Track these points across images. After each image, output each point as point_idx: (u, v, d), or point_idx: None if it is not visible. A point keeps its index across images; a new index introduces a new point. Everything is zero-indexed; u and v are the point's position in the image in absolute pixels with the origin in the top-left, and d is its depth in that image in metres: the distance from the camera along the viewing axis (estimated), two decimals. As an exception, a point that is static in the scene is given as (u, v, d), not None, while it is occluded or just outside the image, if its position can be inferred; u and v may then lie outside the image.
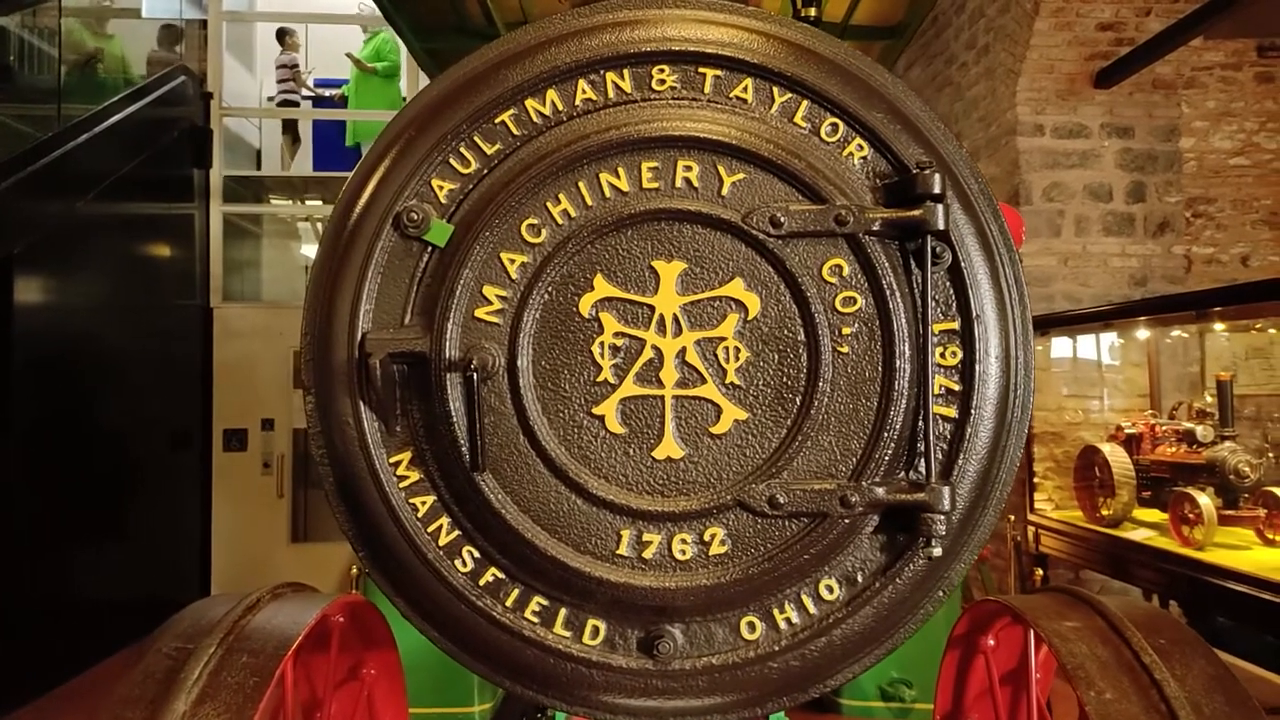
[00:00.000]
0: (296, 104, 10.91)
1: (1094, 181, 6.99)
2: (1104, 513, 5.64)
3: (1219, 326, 6.41)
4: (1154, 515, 5.52)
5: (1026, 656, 2.34)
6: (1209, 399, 5.68)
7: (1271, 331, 7.63)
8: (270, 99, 11.09)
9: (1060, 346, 6.95)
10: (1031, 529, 6.48)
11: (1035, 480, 6.71)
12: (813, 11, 4.18)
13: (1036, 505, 6.62)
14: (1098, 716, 1.59)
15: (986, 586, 4.93)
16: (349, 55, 10.07)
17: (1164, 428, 5.63)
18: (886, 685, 4.19)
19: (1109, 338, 6.88)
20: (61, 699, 5.82)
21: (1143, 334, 6.56)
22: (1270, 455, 4.99)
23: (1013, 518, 6.62)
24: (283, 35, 10.73)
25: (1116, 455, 5.59)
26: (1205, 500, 4.80)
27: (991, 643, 2.52)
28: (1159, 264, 7.00)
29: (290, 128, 11.13)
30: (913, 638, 3.98)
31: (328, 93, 10.97)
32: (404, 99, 9.50)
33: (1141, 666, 1.68)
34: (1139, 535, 5.35)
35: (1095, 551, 5.69)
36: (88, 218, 7.20)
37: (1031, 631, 2.21)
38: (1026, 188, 6.97)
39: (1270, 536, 4.64)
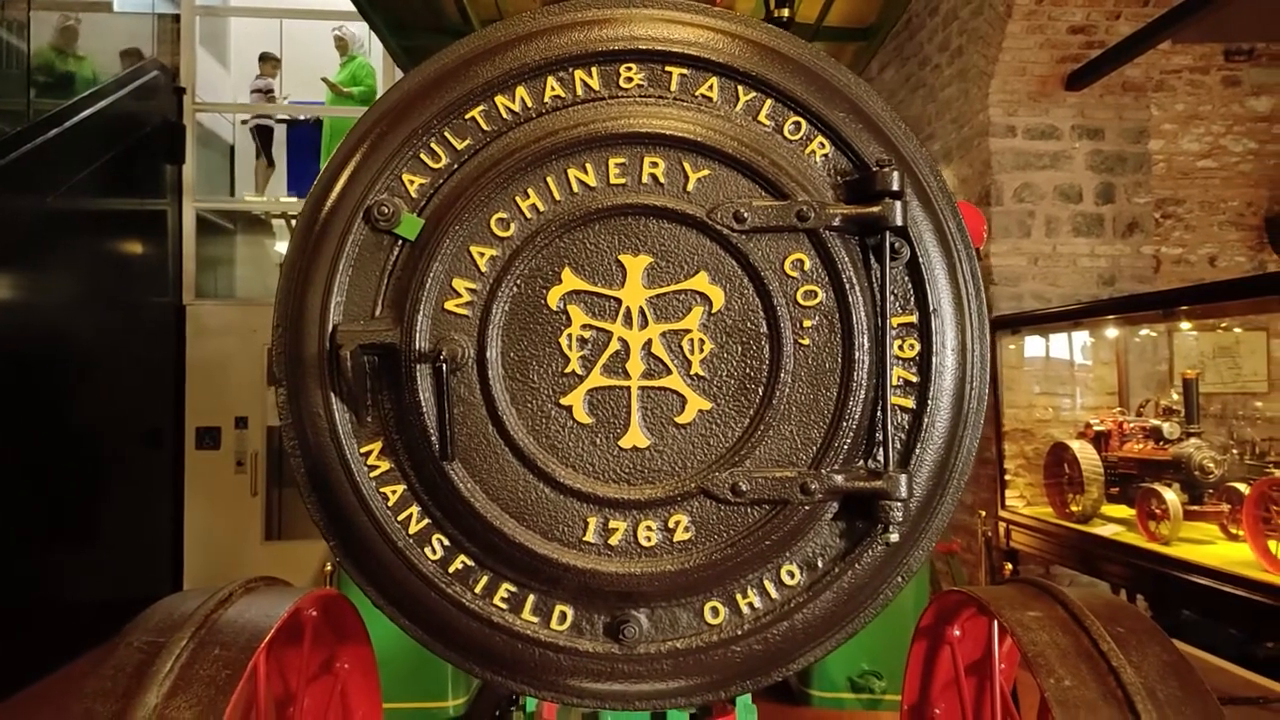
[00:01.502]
0: (270, 129, 10.85)
1: (1064, 182, 7.09)
2: (1073, 509, 5.73)
3: (1185, 325, 6.53)
4: (1122, 511, 5.61)
5: (991, 646, 2.39)
6: (1175, 396, 5.78)
7: (1237, 330, 7.78)
8: (244, 122, 11.01)
9: (1030, 345, 7.04)
10: (1003, 525, 6.57)
11: (1007, 477, 6.79)
12: (785, 12, 4.23)
13: (1008, 501, 6.71)
14: (1056, 702, 1.63)
15: (956, 580, 4.99)
16: (325, 80, 10.00)
17: (1131, 425, 5.72)
18: (857, 677, 4.23)
19: (1079, 336, 6.99)
20: (32, 699, 5.78)
21: (1111, 333, 6.66)
22: (1235, 452, 5.07)
23: (983, 513, 6.70)
24: (262, 59, 10.66)
25: (1085, 452, 5.68)
26: (1171, 496, 4.89)
27: (957, 633, 2.57)
28: (1127, 264, 7.11)
29: (264, 151, 11.07)
30: (883, 629, 4.01)
31: (303, 116, 10.92)
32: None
33: (1099, 654, 1.72)
34: (1107, 531, 5.43)
35: (1065, 547, 5.78)
36: (59, 213, 7.14)
37: (996, 621, 2.26)
38: (998, 188, 7.05)
39: (1234, 531, 4.74)
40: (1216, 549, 4.75)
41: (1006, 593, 2.11)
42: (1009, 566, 6.05)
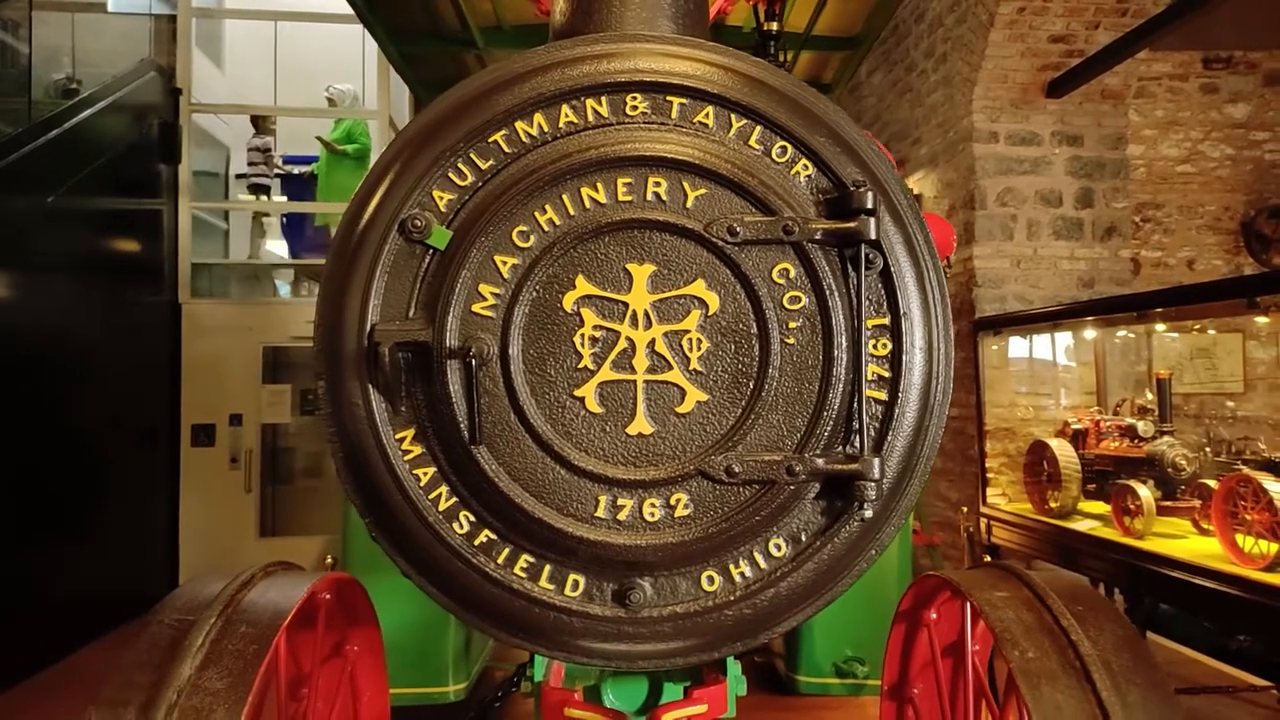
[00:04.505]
0: (267, 188, 10.71)
1: (1045, 187, 7.24)
2: (1052, 505, 5.84)
3: (1160, 327, 6.69)
4: (1098, 507, 5.74)
5: (964, 627, 2.55)
6: (1149, 396, 5.93)
7: (1212, 332, 7.94)
8: (240, 176, 10.99)
9: (1013, 346, 7.18)
10: (984, 520, 6.71)
11: (990, 475, 6.94)
12: (774, 26, 4.40)
13: (990, 499, 6.86)
14: (1020, 672, 1.78)
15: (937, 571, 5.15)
16: (319, 139, 9.99)
17: (1108, 423, 5.84)
18: (841, 663, 4.37)
19: (1060, 338, 7.12)
20: (30, 692, 5.83)
21: (1090, 334, 6.81)
22: (1208, 450, 5.22)
23: (965, 509, 6.86)
24: (257, 120, 10.66)
25: (1064, 450, 5.79)
26: (1145, 492, 5.00)
27: (934, 616, 2.69)
28: (1106, 267, 7.27)
29: (258, 213, 11.08)
30: (866, 617, 4.19)
31: (297, 170, 10.78)
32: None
33: (1060, 629, 1.87)
34: (1084, 526, 5.55)
35: (1045, 542, 5.89)
36: (56, 213, 7.20)
37: (968, 603, 2.42)
38: (981, 192, 7.20)
39: (1205, 526, 4.83)
40: (1188, 543, 4.87)
41: (977, 576, 2.27)
42: (987, 559, 6.20)
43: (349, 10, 5.51)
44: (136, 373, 8.35)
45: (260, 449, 9.04)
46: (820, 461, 1.62)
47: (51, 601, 6.71)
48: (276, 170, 10.74)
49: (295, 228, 10.77)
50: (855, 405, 1.63)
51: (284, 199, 10.87)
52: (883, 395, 1.69)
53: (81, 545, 7.20)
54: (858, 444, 1.64)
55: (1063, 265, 7.26)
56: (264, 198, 10.75)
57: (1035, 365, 7.23)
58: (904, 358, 1.67)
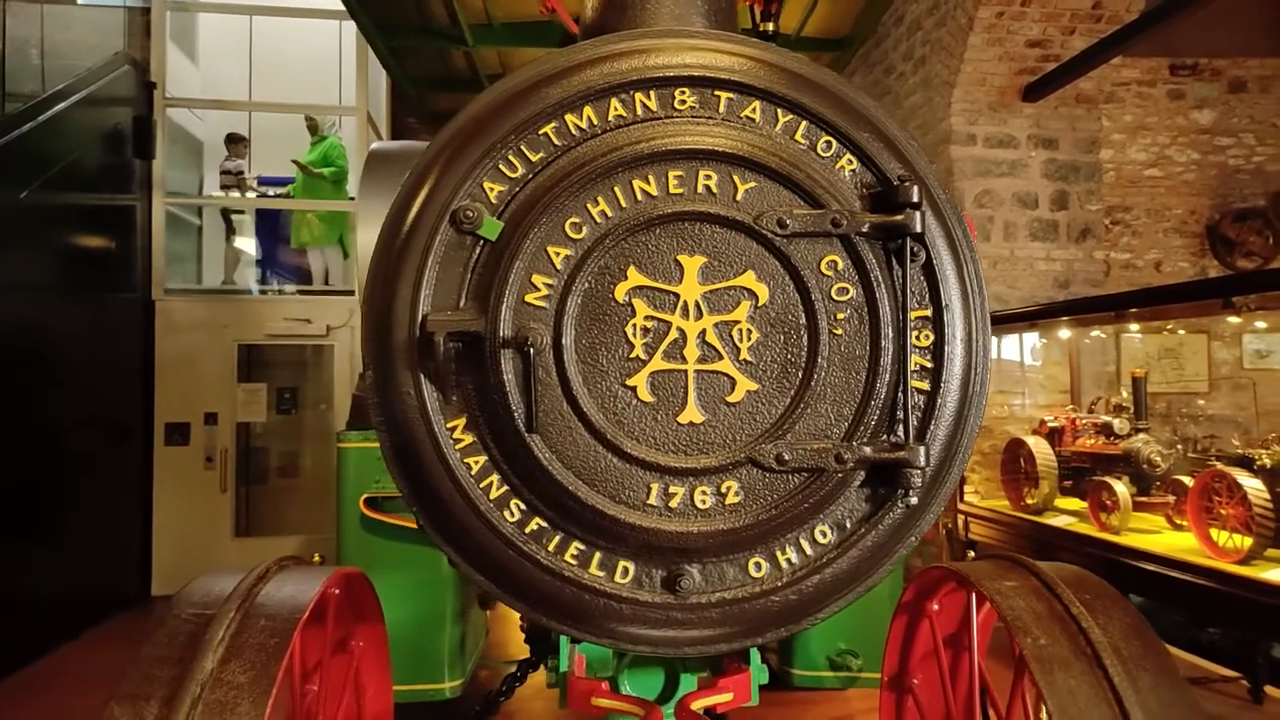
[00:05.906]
0: (240, 211, 10.66)
1: (1021, 189, 7.36)
2: (1029, 501, 5.93)
3: (1134, 327, 6.80)
4: (1074, 503, 5.86)
5: (969, 617, 2.59)
6: (1124, 394, 6.05)
7: (1181, 333, 8.10)
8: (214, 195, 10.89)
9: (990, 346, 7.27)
10: (961, 517, 6.82)
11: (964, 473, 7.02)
12: (770, 26, 4.45)
13: (965, 495, 6.96)
14: (1033, 659, 1.82)
15: (925, 565, 5.23)
16: (295, 162, 9.76)
17: (1084, 421, 5.95)
18: (835, 656, 4.43)
19: (1030, 337, 7.25)
20: (2, 693, 5.72)
21: (1064, 334, 6.94)
22: (1179, 447, 5.35)
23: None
24: (231, 141, 10.48)
25: (1040, 447, 5.89)
26: (1121, 488, 5.11)
27: (936, 607, 2.74)
28: (1080, 268, 7.40)
29: (234, 233, 10.91)
30: (859, 611, 4.24)
31: (272, 192, 10.62)
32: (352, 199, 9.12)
33: (1070, 617, 1.91)
34: (1061, 521, 5.66)
35: (1021, 537, 5.99)
36: (28, 208, 7.08)
37: (973, 595, 2.47)
38: (959, 194, 7.29)
39: (1179, 522, 4.95)
40: (1162, 538, 4.98)
41: (984, 567, 2.31)
42: (971, 555, 6.28)
43: (324, 5, 5.46)
44: (109, 370, 8.22)
45: (235, 448, 8.93)
46: (867, 449, 1.66)
47: (24, 601, 6.59)
48: (251, 191, 10.58)
49: (269, 249, 10.64)
50: (900, 395, 1.68)
51: (265, 207, 10.74)
52: (925, 385, 1.73)
53: (54, 545, 7.08)
54: (902, 433, 1.69)
55: (1039, 266, 7.37)
56: (238, 225, 10.64)
57: (1009, 364, 7.34)
58: (946, 349, 1.71)
